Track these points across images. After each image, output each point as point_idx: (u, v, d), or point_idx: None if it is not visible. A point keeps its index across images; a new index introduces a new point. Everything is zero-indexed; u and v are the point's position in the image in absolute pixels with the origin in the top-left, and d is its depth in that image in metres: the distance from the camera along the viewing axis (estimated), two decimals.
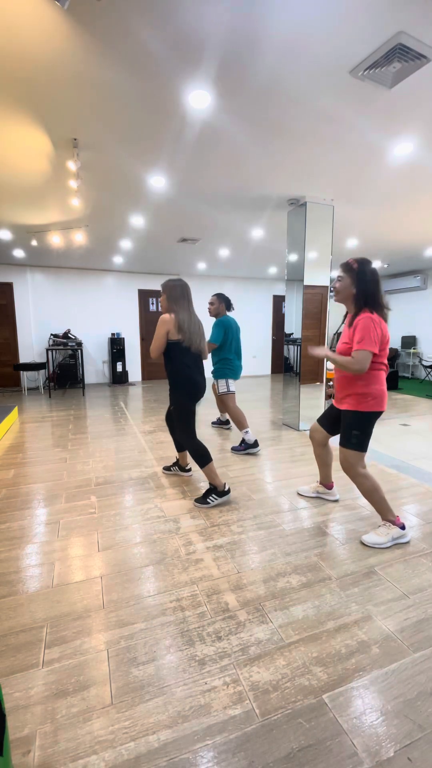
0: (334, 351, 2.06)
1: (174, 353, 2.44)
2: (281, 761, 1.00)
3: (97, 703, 1.16)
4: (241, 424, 3.53)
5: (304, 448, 3.64)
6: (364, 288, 1.93)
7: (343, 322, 2.09)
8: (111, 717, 1.11)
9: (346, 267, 1.99)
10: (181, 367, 2.44)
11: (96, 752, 1.02)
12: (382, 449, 3.59)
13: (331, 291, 2.12)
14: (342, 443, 2.04)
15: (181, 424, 2.51)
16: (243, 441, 3.56)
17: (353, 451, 1.99)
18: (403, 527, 2.02)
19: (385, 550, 1.95)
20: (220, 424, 4.50)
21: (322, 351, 2.05)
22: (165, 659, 1.31)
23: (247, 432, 3.52)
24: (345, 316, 2.13)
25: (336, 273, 2.08)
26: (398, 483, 2.80)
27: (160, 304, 2.54)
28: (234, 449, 3.58)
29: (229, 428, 4.44)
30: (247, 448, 3.53)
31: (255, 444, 3.54)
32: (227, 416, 4.42)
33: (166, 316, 2.39)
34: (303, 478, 2.90)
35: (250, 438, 3.53)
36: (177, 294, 2.46)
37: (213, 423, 4.57)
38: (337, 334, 2.08)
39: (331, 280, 2.16)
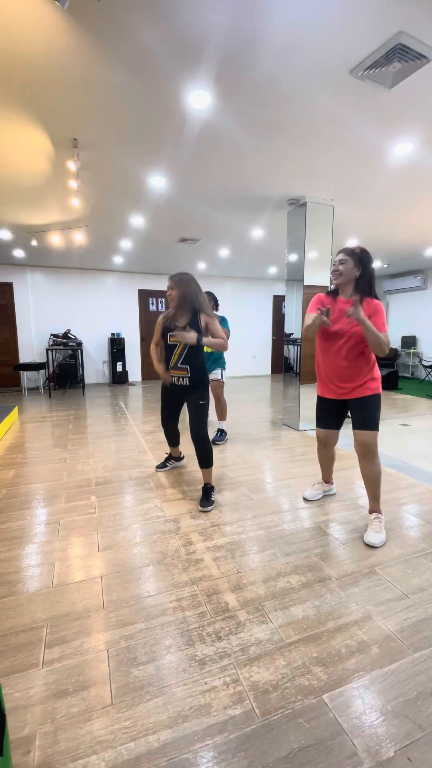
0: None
1: (204, 352, 2.53)
2: (281, 761, 1.00)
3: (97, 703, 1.16)
4: (225, 415, 3.93)
5: (304, 448, 3.64)
6: (368, 273, 2.04)
7: (327, 313, 2.03)
8: (111, 717, 1.11)
9: (350, 251, 2.04)
10: (206, 365, 2.53)
11: (96, 752, 1.02)
12: (382, 449, 3.59)
13: (332, 274, 2.11)
14: (368, 428, 2.04)
15: (205, 420, 2.50)
16: (221, 431, 3.90)
17: (377, 432, 2.05)
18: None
19: (385, 549, 1.95)
20: None
21: (361, 313, 1.88)
22: (165, 659, 1.31)
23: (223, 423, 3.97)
24: (327, 311, 2.05)
25: (337, 258, 2.08)
26: (398, 483, 2.80)
27: (169, 299, 2.46)
28: (215, 441, 3.78)
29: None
30: (223, 436, 3.89)
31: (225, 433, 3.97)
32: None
33: (210, 313, 2.46)
34: (303, 478, 2.90)
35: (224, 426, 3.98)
36: (197, 289, 2.44)
37: None
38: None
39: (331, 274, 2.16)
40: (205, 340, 2.39)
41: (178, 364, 2.50)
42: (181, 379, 2.53)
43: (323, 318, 1.98)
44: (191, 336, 2.33)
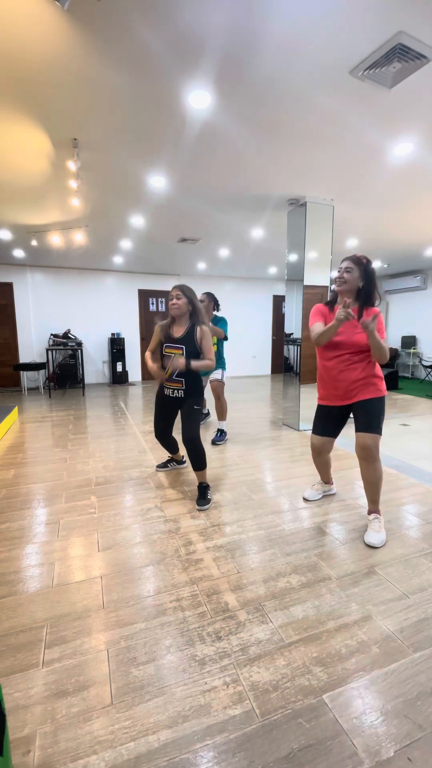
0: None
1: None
2: (281, 761, 1.00)
3: (97, 703, 1.16)
4: (225, 415, 3.92)
5: (304, 448, 3.64)
6: (370, 284, 2.05)
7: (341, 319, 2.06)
8: (111, 717, 1.11)
9: (357, 261, 2.03)
10: (202, 373, 2.54)
11: (96, 752, 1.02)
12: (382, 449, 3.58)
13: (336, 281, 2.10)
14: (371, 430, 2.02)
15: (197, 426, 2.48)
16: (221, 431, 3.90)
17: (380, 435, 2.03)
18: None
19: (385, 549, 1.95)
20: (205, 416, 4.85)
21: (374, 326, 1.85)
22: (165, 659, 1.31)
23: (223, 423, 3.97)
24: (334, 311, 2.12)
25: (343, 266, 2.08)
26: (398, 483, 2.80)
27: (174, 306, 2.48)
28: (215, 441, 3.81)
29: (207, 415, 4.88)
30: (223, 436, 3.88)
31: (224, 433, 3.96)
32: (206, 409, 4.87)
33: (206, 327, 2.49)
34: (303, 478, 2.90)
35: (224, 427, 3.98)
36: (198, 302, 2.54)
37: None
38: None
39: (332, 280, 2.16)
40: (194, 363, 2.41)
41: (173, 377, 2.49)
42: (176, 391, 2.51)
43: (348, 311, 1.91)
44: (180, 362, 2.39)
